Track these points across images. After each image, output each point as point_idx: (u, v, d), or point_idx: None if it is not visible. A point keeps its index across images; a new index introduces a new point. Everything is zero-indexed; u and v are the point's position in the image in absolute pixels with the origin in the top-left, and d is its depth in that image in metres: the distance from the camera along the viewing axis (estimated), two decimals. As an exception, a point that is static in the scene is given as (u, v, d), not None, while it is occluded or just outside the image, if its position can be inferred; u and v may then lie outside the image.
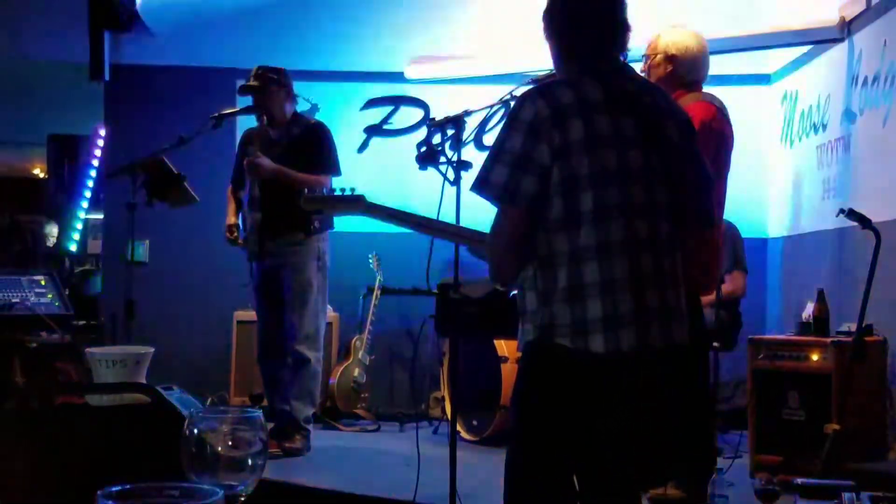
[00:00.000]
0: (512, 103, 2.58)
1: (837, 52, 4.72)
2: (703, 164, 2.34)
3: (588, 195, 2.07)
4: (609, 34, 2.25)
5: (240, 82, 4.74)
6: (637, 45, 3.91)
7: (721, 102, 3.50)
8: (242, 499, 1.04)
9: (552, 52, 2.32)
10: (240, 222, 4.69)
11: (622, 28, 2.26)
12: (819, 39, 4.82)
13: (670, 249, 2.17)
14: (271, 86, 4.52)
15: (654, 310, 2.12)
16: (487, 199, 2.15)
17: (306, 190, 2.57)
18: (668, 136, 2.21)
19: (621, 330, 2.07)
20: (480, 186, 2.14)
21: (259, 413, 1.09)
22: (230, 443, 1.04)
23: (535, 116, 2.10)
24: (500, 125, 2.27)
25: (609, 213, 2.08)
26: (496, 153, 2.13)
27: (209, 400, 5.47)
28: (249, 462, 1.04)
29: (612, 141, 2.11)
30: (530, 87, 2.26)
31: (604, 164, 2.09)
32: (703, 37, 3.58)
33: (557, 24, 2.28)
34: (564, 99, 2.11)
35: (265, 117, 4.59)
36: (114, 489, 0.80)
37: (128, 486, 0.81)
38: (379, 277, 5.69)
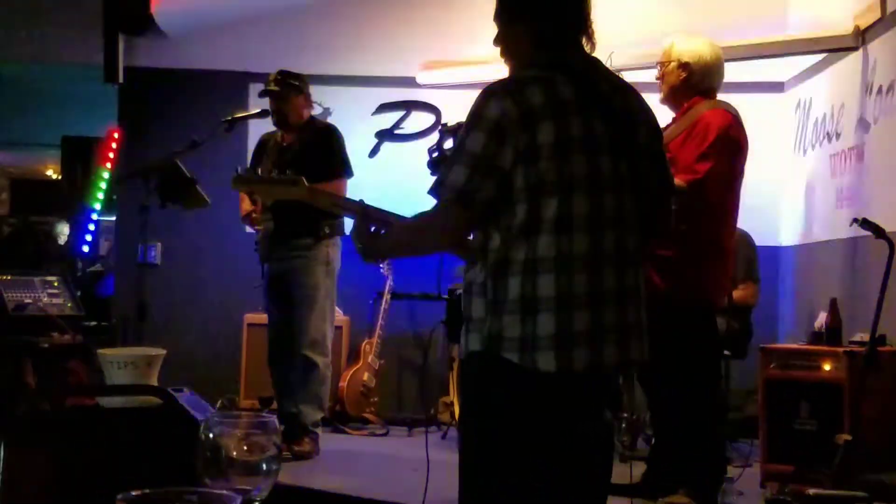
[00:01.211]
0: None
1: (852, 61, 4.70)
2: (668, 169, 2.22)
3: (553, 202, 1.92)
4: (578, 19, 2.09)
5: (253, 86, 4.76)
6: (651, 51, 3.92)
7: (736, 110, 3.50)
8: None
9: (512, 38, 2.12)
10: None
11: (588, 15, 2.10)
12: (833, 48, 4.80)
13: (634, 263, 2.04)
14: (291, 91, 4.54)
15: (612, 327, 1.97)
16: (438, 199, 2.00)
17: (238, 168, 2.51)
18: (638, 140, 2.08)
19: (575, 348, 1.92)
20: (437, 188, 1.99)
21: (273, 418, 1.09)
22: (245, 447, 1.04)
23: (501, 116, 1.93)
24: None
25: (572, 223, 1.93)
26: (457, 153, 1.98)
27: (219, 402, 5.47)
28: (264, 467, 1.04)
29: (583, 145, 1.96)
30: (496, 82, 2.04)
31: (572, 170, 1.94)
32: (717, 45, 3.58)
33: (524, 4, 2.11)
34: (535, 99, 1.94)
35: (280, 122, 4.60)
36: (133, 494, 0.80)
37: (147, 492, 0.81)
38: (389, 282, 5.69)
